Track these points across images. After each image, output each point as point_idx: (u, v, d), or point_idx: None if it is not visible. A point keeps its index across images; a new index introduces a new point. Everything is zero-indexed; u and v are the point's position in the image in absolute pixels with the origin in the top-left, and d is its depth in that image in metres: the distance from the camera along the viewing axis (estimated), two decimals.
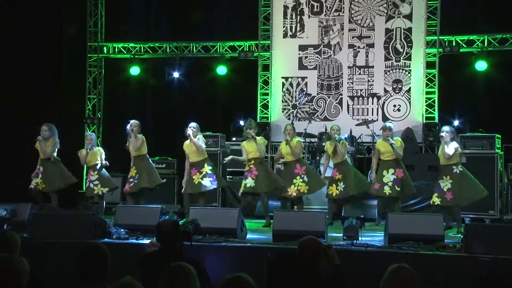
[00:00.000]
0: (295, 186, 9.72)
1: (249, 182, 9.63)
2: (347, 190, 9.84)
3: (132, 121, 10.03)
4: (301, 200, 10.00)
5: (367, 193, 10.16)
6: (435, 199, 9.18)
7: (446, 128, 9.35)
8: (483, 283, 3.58)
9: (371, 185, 9.92)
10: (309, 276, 4.31)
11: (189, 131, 9.68)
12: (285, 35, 13.61)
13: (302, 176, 9.78)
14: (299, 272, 4.28)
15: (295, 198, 9.81)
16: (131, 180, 9.89)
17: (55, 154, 10.07)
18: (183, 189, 9.91)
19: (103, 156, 10.13)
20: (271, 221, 9.51)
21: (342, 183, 9.86)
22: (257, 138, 9.81)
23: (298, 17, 13.55)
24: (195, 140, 9.68)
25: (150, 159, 10.19)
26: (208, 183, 9.70)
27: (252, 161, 9.72)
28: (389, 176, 9.62)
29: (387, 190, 9.58)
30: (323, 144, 10.83)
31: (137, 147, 9.90)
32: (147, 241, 7.49)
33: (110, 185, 10.22)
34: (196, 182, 9.67)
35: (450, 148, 9.09)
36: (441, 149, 9.24)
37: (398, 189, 9.59)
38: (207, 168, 9.74)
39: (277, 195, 10.09)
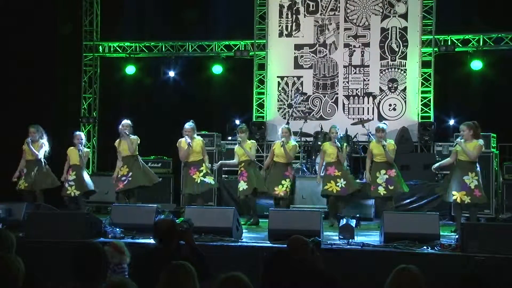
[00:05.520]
0: (283, 186, 9.80)
1: (241, 185, 9.87)
2: (349, 187, 9.87)
3: (124, 122, 9.95)
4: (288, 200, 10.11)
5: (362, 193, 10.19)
6: (464, 197, 8.87)
7: (462, 126, 9.14)
8: (467, 283, 3.58)
9: (359, 187, 10.06)
10: (304, 274, 4.31)
11: (188, 139, 9.66)
12: (280, 34, 13.61)
13: (291, 179, 9.96)
14: (294, 271, 4.28)
15: (281, 198, 9.84)
16: (123, 178, 9.81)
17: (42, 155, 10.09)
18: (184, 189, 9.91)
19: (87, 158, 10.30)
20: (259, 219, 9.80)
21: (342, 179, 9.85)
22: (247, 142, 9.97)
23: (294, 16, 13.55)
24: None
25: (140, 159, 10.16)
26: (212, 181, 9.83)
27: (243, 164, 9.97)
28: (382, 177, 9.59)
29: (381, 190, 9.56)
30: (319, 143, 10.90)
31: (133, 149, 9.85)
32: (143, 241, 7.54)
33: (85, 188, 10.14)
34: (198, 181, 9.69)
35: (475, 147, 8.93)
36: (460, 146, 9.00)
37: (391, 187, 9.56)
38: (206, 168, 9.78)
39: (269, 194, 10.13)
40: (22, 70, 13.14)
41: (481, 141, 8.99)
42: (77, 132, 10.39)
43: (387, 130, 9.88)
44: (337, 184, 9.83)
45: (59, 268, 5.03)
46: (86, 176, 10.21)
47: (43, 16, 13.48)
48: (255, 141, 10.39)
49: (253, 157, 9.96)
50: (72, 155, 10.12)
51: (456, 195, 8.96)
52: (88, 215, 8.17)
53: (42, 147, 10.07)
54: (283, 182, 9.81)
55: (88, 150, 10.46)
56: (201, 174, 9.72)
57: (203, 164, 9.76)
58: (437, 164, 9.52)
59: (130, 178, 9.79)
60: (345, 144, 10.13)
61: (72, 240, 7.09)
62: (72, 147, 10.15)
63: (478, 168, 9.02)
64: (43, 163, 10.12)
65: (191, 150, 9.66)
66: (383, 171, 9.61)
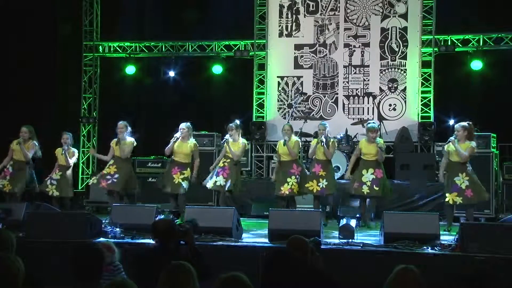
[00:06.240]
0: (288, 185, 9.72)
1: (219, 180, 9.70)
2: (327, 188, 9.79)
3: (119, 124, 9.94)
4: (294, 199, 10.01)
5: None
6: (456, 198, 9.00)
7: (457, 126, 9.23)
8: (470, 283, 3.59)
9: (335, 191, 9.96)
10: (303, 274, 4.31)
11: (178, 134, 9.70)
12: (280, 34, 13.60)
13: (297, 176, 9.79)
14: (294, 271, 4.29)
15: (287, 196, 9.81)
16: (108, 177, 9.79)
17: (30, 156, 10.10)
18: (159, 181, 10.03)
19: (75, 158, 10.30)
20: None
21: (324, 180, 9.81)
22: (239, 140, 9.85)
23: (294, 16, 13.55)
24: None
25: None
26: (187, 187, 9.76)
27: (228, 160, 9.78)
28: (368, 176, 9.57)
29: (365, 189, 9.54)
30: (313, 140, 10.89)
31: (124, 154, 9.86)
32: (143, 241, 7.54)
33: (65, 193, 10.14)
34: (176, 182, 9.72)
35: (467, 149, 8.99)
36: (453, 147, 9.08)
37: (377, 188, 9.52)
38: (189, 172, 9.77)
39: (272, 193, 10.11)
40: (22, 70, 13.14)
41: (473, 143, 9.07)
42: (64, 133, 10.36)
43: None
44: (319, 184, 9.76)
45: (59, 268, 5.03)
46: (70, 181, 10.23)
47: (43, 16, 13.48)
48: (246, 142, 10.14)
49: (236, 158, 9.76)
50: (59, 156, 10.19)
51: (448, 197, 9.09)
52: (88, 215, 8.18)
53: (33, 148, 10.07)
54: (288, 180, 9.72)
55: (74, 150, 10.39)
56: (182, 176, 9.73)
57: (188, 169, 9.75)
58: (441, 172, 9.42)
59: (115, 180, 9.78)
60: (331, 140, 9.92)
61: (72, 240, 7.09)
62: (60, 148, 10.20)
63: (470, 168, 9.08)
64: (31, 165, 10.15)
65: (176, 146, 9.68)
66: (371, 170, 9.59)
